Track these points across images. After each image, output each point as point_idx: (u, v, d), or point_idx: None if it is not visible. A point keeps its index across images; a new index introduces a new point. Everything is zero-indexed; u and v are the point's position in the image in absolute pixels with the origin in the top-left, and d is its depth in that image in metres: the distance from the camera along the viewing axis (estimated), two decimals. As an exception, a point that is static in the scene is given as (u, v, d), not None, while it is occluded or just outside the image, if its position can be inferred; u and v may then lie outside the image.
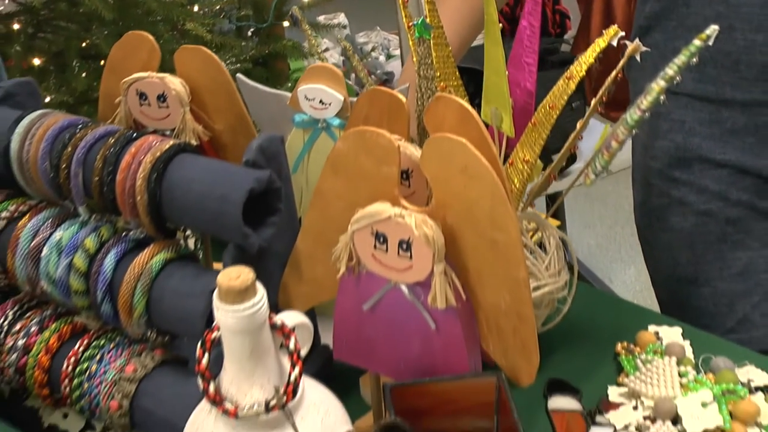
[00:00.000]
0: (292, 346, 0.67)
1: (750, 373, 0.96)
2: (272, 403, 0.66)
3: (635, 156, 1.31)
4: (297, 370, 0.66)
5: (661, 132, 1.22)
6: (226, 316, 0.64)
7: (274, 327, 0.67)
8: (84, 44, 1.78)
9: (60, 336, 0.89)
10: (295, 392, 0.66)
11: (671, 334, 1.03)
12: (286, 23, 1.88)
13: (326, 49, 2.41)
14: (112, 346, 0.87)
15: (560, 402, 0.95)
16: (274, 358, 0.67)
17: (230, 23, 1.77)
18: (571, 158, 2.01)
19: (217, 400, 0.67)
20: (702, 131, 1.18)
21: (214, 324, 0.68)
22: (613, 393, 0.95)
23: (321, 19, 2.25)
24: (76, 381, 0.86)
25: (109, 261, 0.85)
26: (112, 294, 0.85)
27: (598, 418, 0.93)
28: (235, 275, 0.63)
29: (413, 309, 0.78)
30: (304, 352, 0.71)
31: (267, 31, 1.86)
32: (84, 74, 1.75)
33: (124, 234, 0.87)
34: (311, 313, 0.94)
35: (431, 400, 0.78)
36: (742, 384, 0.93)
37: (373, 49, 1.93)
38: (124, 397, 0.83)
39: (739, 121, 1.15)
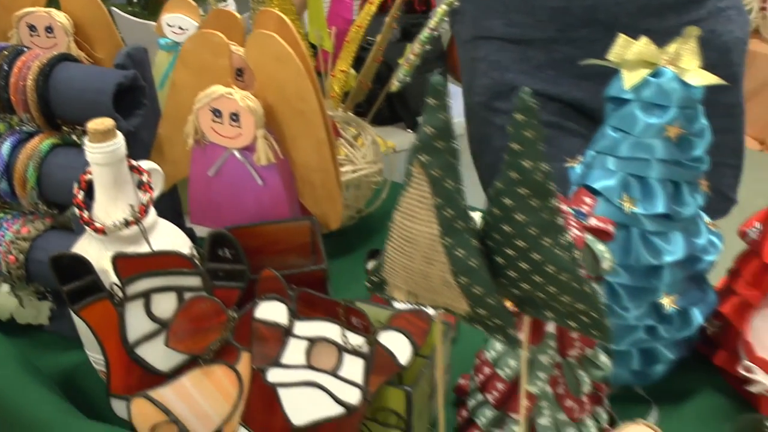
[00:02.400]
0: (145, 179, 0.90)
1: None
2: (129, 219, 0.89)
3: (465, 97, 1.57)
4: (148, 195, 0.90)
5: (481, 72, 1.48)
6: (94, 153, 0.87)
7: (132, 168, 0.91)
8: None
9: (-34, 214, 1.10)
10: (147, 211, 0.90)
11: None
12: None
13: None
14: (9, 217, 1.09)
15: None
16: (132, 191, 0.91)
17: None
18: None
19: (90, 222, 0.90)
20: (514, 68, 1.44)
21: (87, 168, 0.91)
22: (420, 257, 1.21)
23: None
24: (-20, 246, 1.08)
25: (6, 147, 1.06)
26: (8, 173, 1.06)
27: (405, 273, 1.19)
28: (99, 122, 0.87)
29: (246, 171, 1.03)
30: (156, 194, 0.95)
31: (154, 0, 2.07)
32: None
33: (18, 128, 1.09)
34: (176, 201, 1.17)
35: (261, 241, 1.02)
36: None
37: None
38: (20, 252, 1.05)
39: (540, 57, 1.41)
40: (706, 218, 1.00)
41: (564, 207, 0.82)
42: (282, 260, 1.04)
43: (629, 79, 0.87)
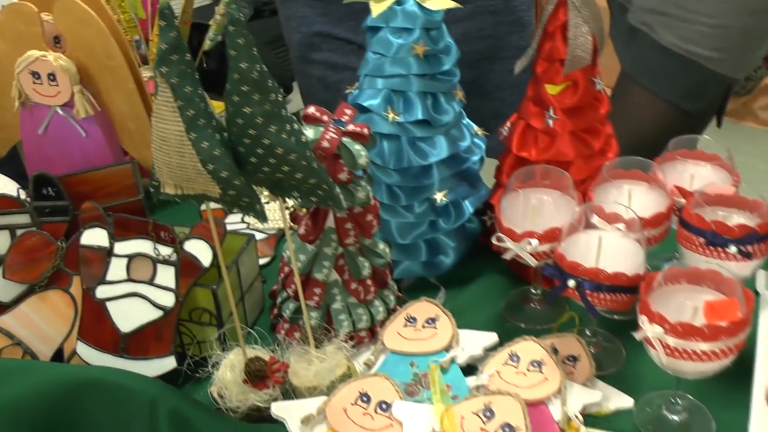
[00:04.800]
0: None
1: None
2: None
3: (289, 53, 1.72)
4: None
5: (293, 28, 1.63)
6: None
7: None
8: None
9: None
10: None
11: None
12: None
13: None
14: None
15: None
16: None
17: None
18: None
19: None
20: (321, 20, 1.59)
21: None
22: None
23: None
24: None
25: None
26: None
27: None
28: None
29: (70, 125, 1.16)
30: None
31: None
32: None
33: None
34: (19, 165, 1.29)
35: (91, 186, 1.15)
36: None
37: None
38: None
39: (341, 10, 1.56)
40: (475, 127, 1.17)
41: (325, 117, 0.98)
42: (112, 201, 1.17)
43: (376, 9, 1.03)
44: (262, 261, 1.21)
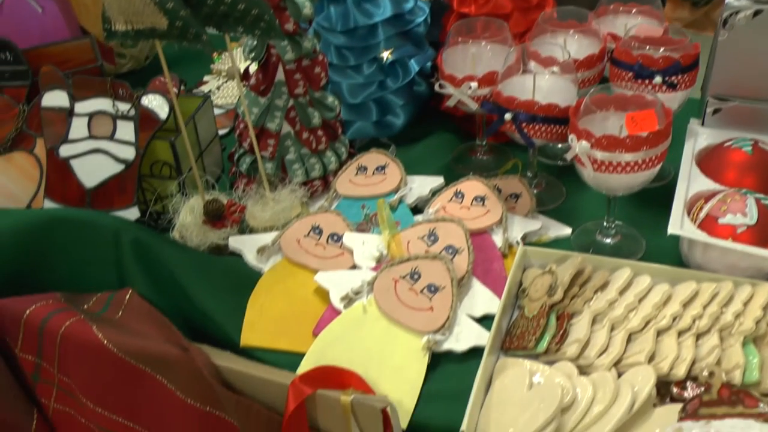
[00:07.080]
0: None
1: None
2: None
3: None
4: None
5: None
6: None
7: None
8: None
9: None
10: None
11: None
12: None
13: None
14: None
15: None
16: None
17: None
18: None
19: None
20: None
21: None
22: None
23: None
24: None
25: None
26: None
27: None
28: None
29: (25, 2, 1.19)
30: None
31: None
32: None
33: None
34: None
35: (52, 61, 1.19)
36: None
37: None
38: None
39: None
40: (418, -8, 1.22)
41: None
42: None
43: None
44: (222, 131, 1.26)
